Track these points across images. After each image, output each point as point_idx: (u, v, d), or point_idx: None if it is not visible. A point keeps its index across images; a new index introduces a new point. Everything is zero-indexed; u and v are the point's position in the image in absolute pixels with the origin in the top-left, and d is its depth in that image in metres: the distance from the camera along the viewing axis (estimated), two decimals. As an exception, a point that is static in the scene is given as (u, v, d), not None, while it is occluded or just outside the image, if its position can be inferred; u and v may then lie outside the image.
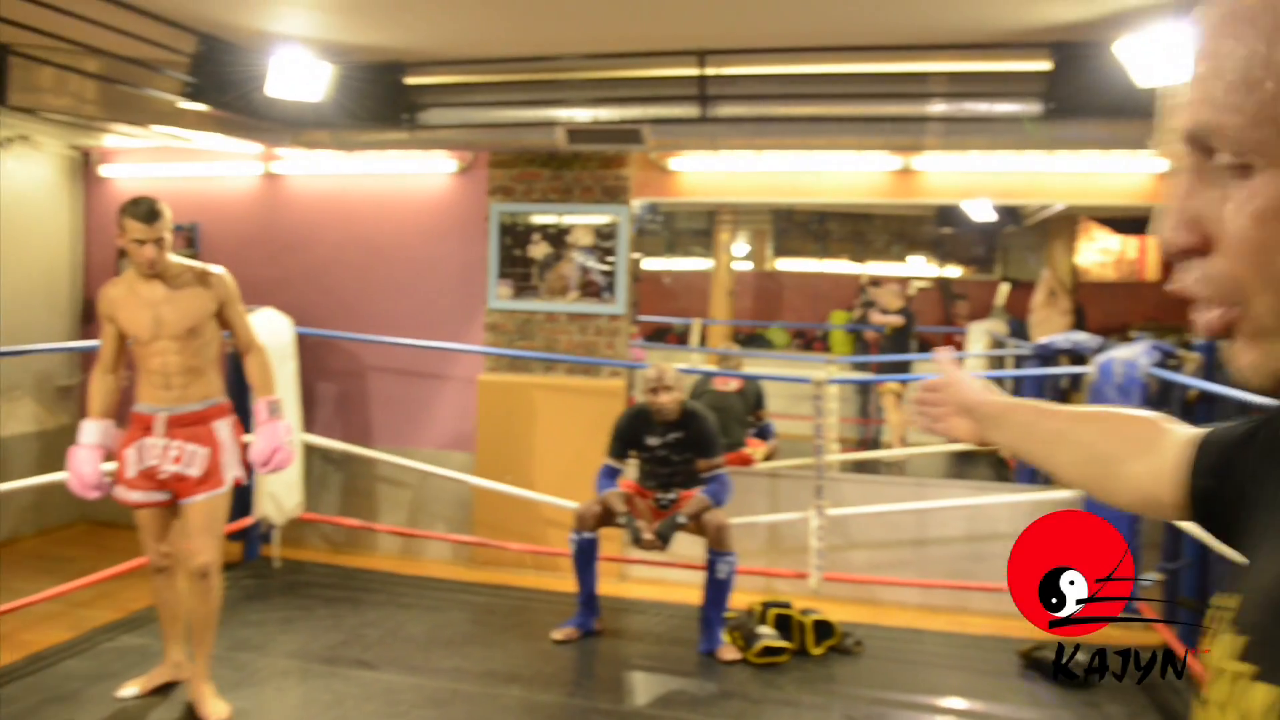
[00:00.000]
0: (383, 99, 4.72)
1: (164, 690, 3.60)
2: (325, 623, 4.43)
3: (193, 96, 4.41)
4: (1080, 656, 3.85)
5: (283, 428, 3.45)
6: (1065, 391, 5.55)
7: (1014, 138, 4.16)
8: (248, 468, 3.49)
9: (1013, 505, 4.84)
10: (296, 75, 4.34)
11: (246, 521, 5.01)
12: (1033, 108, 4.05)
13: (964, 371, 1.24)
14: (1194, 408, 3.94)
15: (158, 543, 3.46)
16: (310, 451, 5.37)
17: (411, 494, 5.54)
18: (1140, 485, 0.95)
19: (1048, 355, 5.33)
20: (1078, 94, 4.01)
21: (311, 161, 5.51)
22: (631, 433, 4.33)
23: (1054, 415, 1.10)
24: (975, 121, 4.16)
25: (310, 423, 5.47)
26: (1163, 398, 4.08)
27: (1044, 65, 4.03)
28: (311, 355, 5.46)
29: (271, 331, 4.87)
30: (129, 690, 3.56)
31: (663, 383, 4.20)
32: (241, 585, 4.84)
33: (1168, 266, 0.69)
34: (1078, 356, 5.17)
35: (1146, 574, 4.18)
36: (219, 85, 4.43)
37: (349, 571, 5.22)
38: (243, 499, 4.94)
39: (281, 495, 5.05)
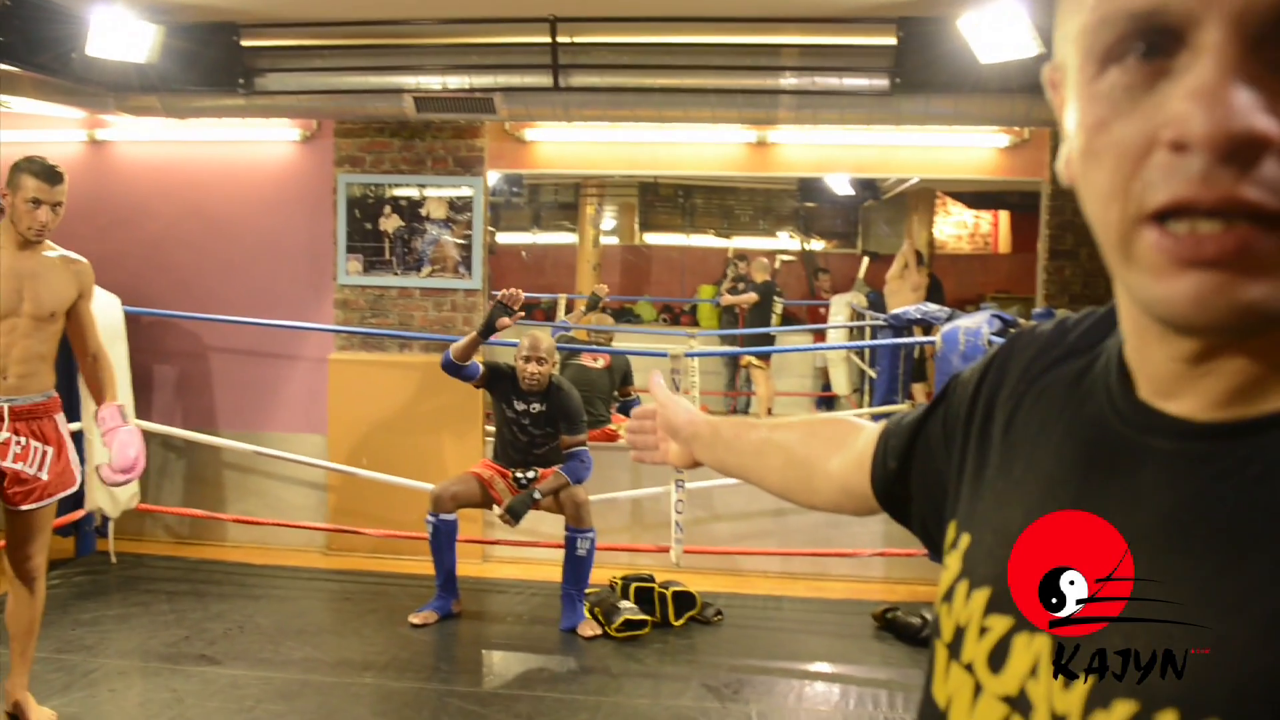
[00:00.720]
0: (216, 62, 4.45)
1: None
2: (166, 618, 4.20)
3: (1, 57, 4.05)
4: (928, 615, 3.96)
5: (136, 433, 3.20)
6: (918, 360, 5.72)
7: (863, 112, 4.22)
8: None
9: (868, 472, 4.96)
10: (119, 35, 4.04)
11: (78, 514, 4.69)
12: (880, 82, 4.11)
13: (673, 396, 1.22)
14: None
15: None
16: (148, 439, 5.03)
17: (260, 480, 5.29)
18: (836, 481, 0.97)
19: (900, 326, 5.46)
20: (923, 69, 4.09)
21: (141, 129, 5.16)
22: (502, 381, 4.25)
23: (756, 427, 1.10)
24: (826, 95, 4.20)
25: (146, 408, 5.15)
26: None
27: (890, 40, 4.09)
28: (145, 336, 5.13)
29: (98, 311, 4.55)
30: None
31: (536, 353, 4.14)
32: (73, 583, 4.54)
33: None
34: (929, 327, 5.32)
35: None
36: (31, 44, 4.09)
37: (194, 564, 4.96)
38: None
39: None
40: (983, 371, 0.74)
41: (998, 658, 0.60)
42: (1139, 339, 0.57)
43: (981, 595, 0.63)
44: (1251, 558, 0.48)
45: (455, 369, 4.17)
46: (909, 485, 0.84)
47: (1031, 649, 0.57)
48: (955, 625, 0.65)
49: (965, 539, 0.68)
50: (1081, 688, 0.53)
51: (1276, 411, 0.50)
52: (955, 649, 0.64)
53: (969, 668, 0.62)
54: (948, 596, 0.67)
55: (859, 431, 0.96)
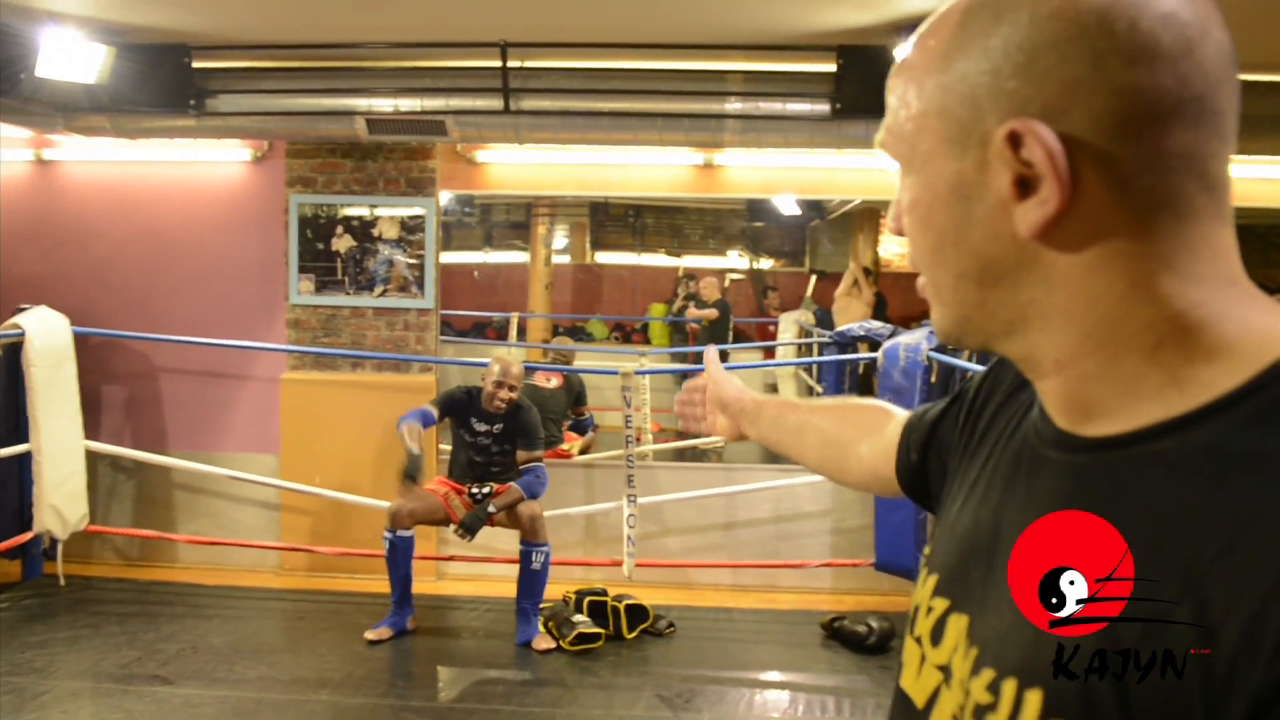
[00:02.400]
0: (167, 83, 4.46)
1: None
2: (118, 639, 4.17)
3: (-54, 77, 4.04)
4: (874, 623, 4.08)
5: None
6: (863, 376, 5.86)
7: (806, 135, 4.36)
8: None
9: (815, 485, 5.07)
10: (68, 55, 4.04)
11: (25, 537, 4.63)
12: (821, 107, 4.26)
13: (725, 373, 1.31)
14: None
15: None
16: (96, 460, 5.02)
17: (212, 501, 5.27)
18: (867, 465, 1.05)
19: (845, 342, 5.61)
20: (863, 94, 4.23)
21: (90, 149, 5.14)
22: (460, 408, 4.30)
23: (797, 409, 1.20)
24: (769, 119, 4.33)
25: (95, 429, 5.11)
26: (945, 379, 4.38)
27: (831, 67, 4.24)
28: (94, 357, 5.10)
29: (46, 331, 4.53)
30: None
31: (508, 379, 4.21)
32: (22, 606, 4.49)
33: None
34: (874, 343, 5.47)
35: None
36: (-21, 65, 4.08)
37: (145, 585, 4.92)
38: (20, 513, 4.59)
39: (64, 507, 4.69)
40: (980, 381, 0.84)
41: (937, 634, 0.70)
42: None
43: (933, 580, 0.74)
44: None
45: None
46: (929, 476, 0.92)
47: (957, 627, 0.68)
48: (915, 604, 0.76)
49: (935, 532, 0.80)
50: (972, 657, 0.64)
51: (1129, 430, 0.59)
52: (912, 623, 0.75)
53: (919, 640, 0.73)
54: (921, 582, 0.77)
55: (889, 419, 1.04)
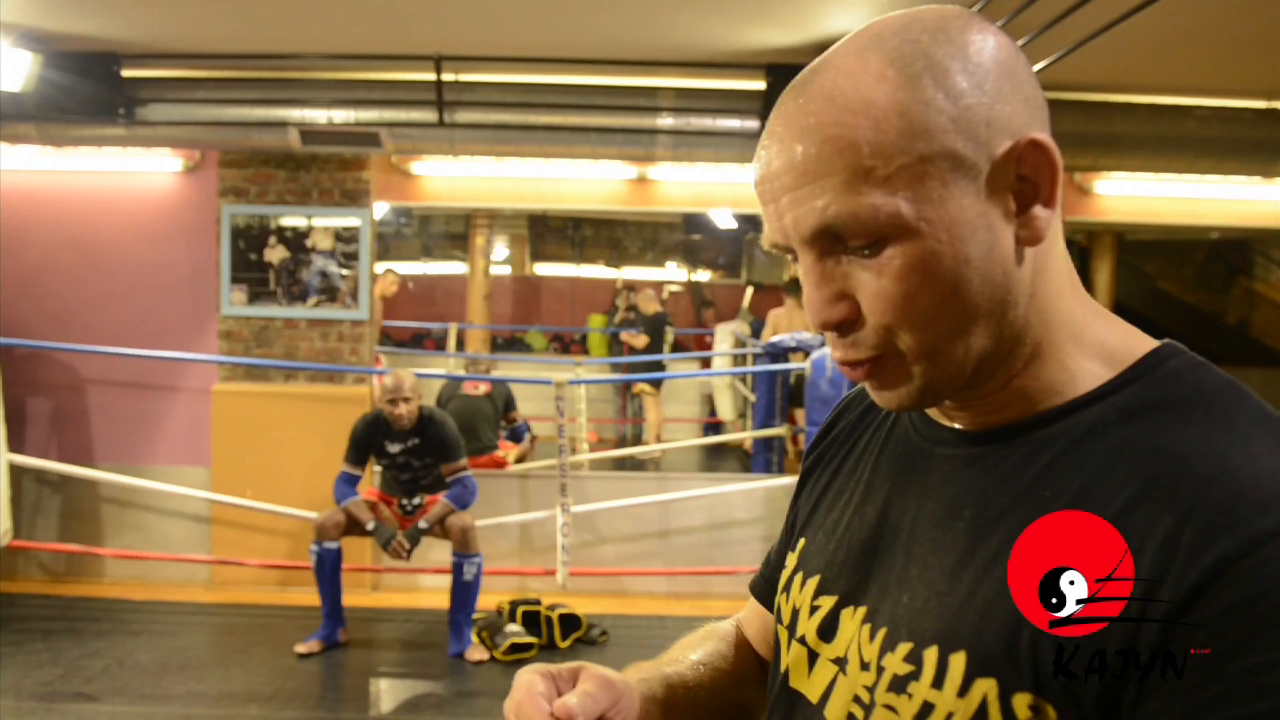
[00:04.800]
0: (96, 91, 4.41)
1: None
2: (40, 657, 4.09)
3: None
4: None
5: None
6: (794, 386, 5.98)
7: (737, 150, 4.46)
8: None
9: (747, 493, 5.17)
10: (-8, 63, 3.99)
11: (-57, 554, 4.53)
12: (751, 123, 4.36)
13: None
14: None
15: None
16: (21, 474, 4.92)
17: (141, 514, 5.19)
18: (756, 634, 0.99)
19: (777, 353, 5.73)
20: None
21: (17, 157, 5.05)
22: (369, 439, 4.29)
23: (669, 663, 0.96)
24: (701, 135, 4.42)
25: (20, 442, 5.01)
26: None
27: (760, 84, 4.35)
28: (19, 369, 5.00)
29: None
30: None
31: (400, 393, 4.17)
32: (-62, 624, 4.38)
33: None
34: (807, 353, 5.59)
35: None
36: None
37: (70, 601, 4.83)
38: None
39: (-15, 522, 4.60)
40: (838, 412, 0.90)
41: (827, 630, 0.75)
42: None
43: (813, 582, 0.78)
44: (1000, 526, 0.65)
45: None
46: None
47: (855, 618, 0.73)
48: (792, 609, 0.80)
49: (802, 542, 0.83)
50: (880, 638, 0.70)
51: (1023, 417, 0.67)
52: (792, 628, 0.79)
53: (803, 640, 0.78)
54: (785, 588, 0.82)
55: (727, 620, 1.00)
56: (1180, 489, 0.57)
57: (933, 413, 0.73)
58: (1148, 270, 10.22)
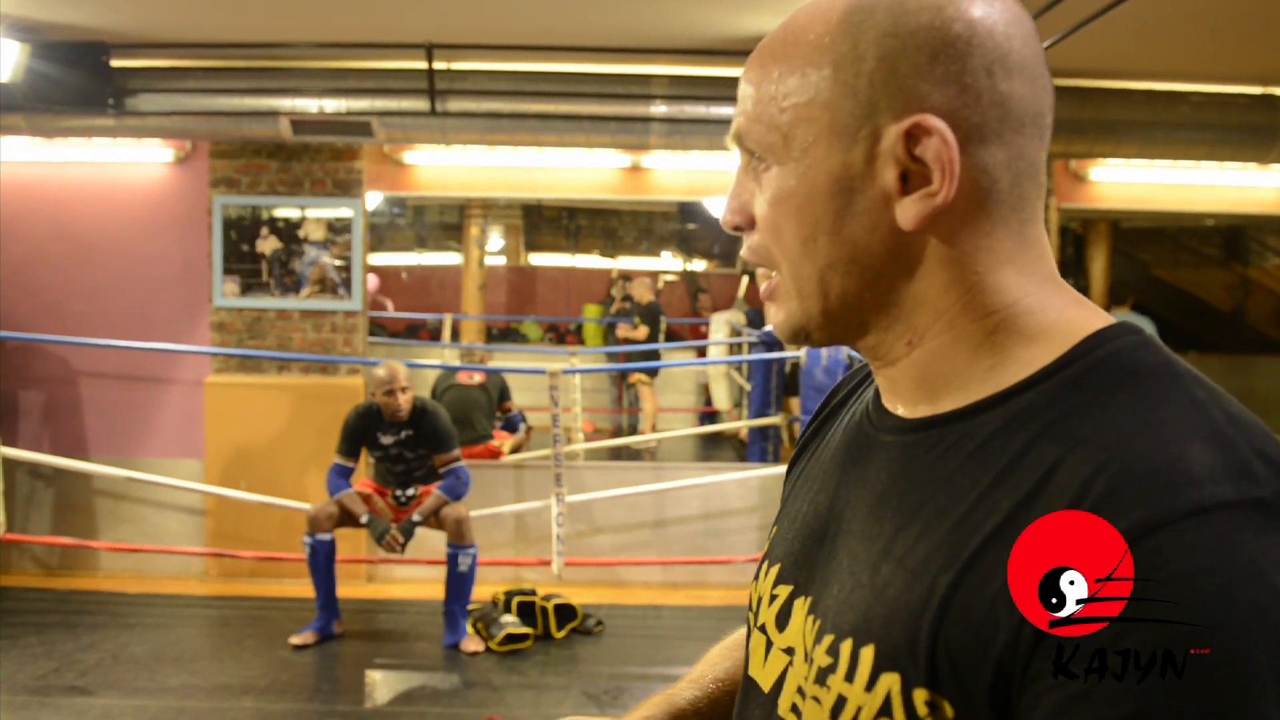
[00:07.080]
0: (85, 82, 4.37)
1: None
2: (34, 650, 4.08)
3: None
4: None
5: None
6: (790, 375, 5.98)
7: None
8: None
9: (742, 482, 5.17)
10: (-21, 53, 3.96)
11: (-64, 547, 4.52)
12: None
13: None
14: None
15: None
16: (14, 467, 4.90)
17: (135, 507, 5.17)
18: None
19: (772, 342, 5.72)
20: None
21: (5, 148, 5.02)
22: (362, 431, 4.27)
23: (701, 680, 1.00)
24: (695, 123, 4.40)
25: (12, 435, 4.99)
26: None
27: (754, 71, 4.32)
28: (11, 362, 4.99)
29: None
30: None
31: (396, 384, 4.16)
32: (-69, 618, 4.37)
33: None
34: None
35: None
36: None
37: (64, 594, 4.82)
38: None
39: (-22, 516, 4.58)
40: (826, 400, 0.89)
41: (782, 619, 0.74)
42: None
43: (774, 571, 0.78)
44: (920, 515, 0.63)
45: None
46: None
47: (803, 609, 0.72)
48: (757, 597, 0.79)
49: (774, 530, 0.83)
50: (814, 628, 0.69)
51: (960, 406, 0.66)
52: (755, 617, 0.78)
53: (762, 628, 0.77)
54: (755, 576, 0.81)
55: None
56: (1075, 477, 0.56)
57: (886, 399, 0.72)
58: (1143, 258, 10.24)
